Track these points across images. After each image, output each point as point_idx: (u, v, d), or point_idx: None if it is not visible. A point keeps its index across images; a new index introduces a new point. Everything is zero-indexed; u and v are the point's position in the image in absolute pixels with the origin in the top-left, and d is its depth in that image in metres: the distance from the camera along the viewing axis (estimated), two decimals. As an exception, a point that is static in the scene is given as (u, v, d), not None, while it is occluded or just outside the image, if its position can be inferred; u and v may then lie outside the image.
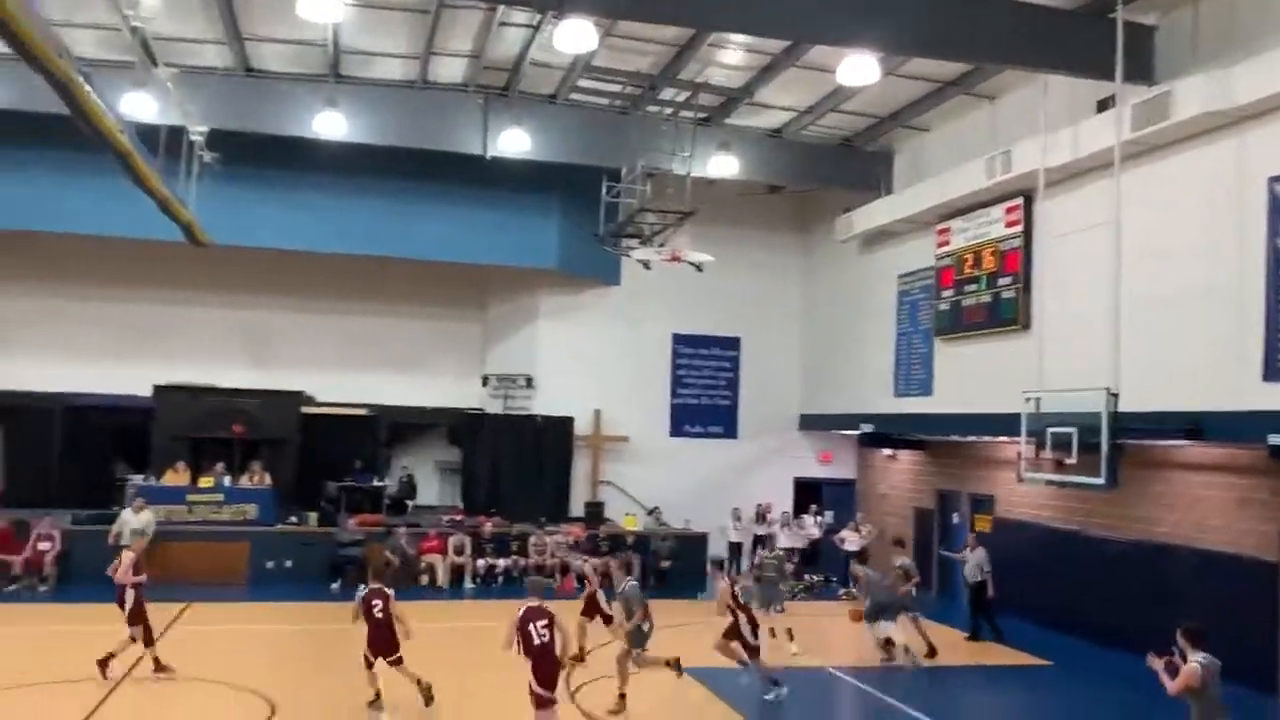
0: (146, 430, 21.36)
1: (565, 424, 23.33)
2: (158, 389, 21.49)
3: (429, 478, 24.95)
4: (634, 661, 11.62)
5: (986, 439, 18.94)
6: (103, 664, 11.95)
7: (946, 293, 19.03)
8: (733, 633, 12.43)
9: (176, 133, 15.98)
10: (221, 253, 19.54)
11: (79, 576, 18.05)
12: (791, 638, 15.07)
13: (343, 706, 11.33)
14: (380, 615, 11.13)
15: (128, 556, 12.74)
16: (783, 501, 23.08)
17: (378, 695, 11.09)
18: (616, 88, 19.04)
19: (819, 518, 22.22)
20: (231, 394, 21.86)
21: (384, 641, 11.11)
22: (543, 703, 9.15)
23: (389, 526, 20.45)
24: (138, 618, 12.22)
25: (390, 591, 11.40)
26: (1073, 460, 13.58)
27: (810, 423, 24.42)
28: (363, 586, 11.70)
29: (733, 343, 24.78)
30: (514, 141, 19.26)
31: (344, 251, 21.79)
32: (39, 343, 22.40)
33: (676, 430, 24.30)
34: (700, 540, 21.36)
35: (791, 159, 21.57)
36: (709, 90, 18.42)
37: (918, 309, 20.27)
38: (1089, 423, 13.23)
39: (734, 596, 12.55)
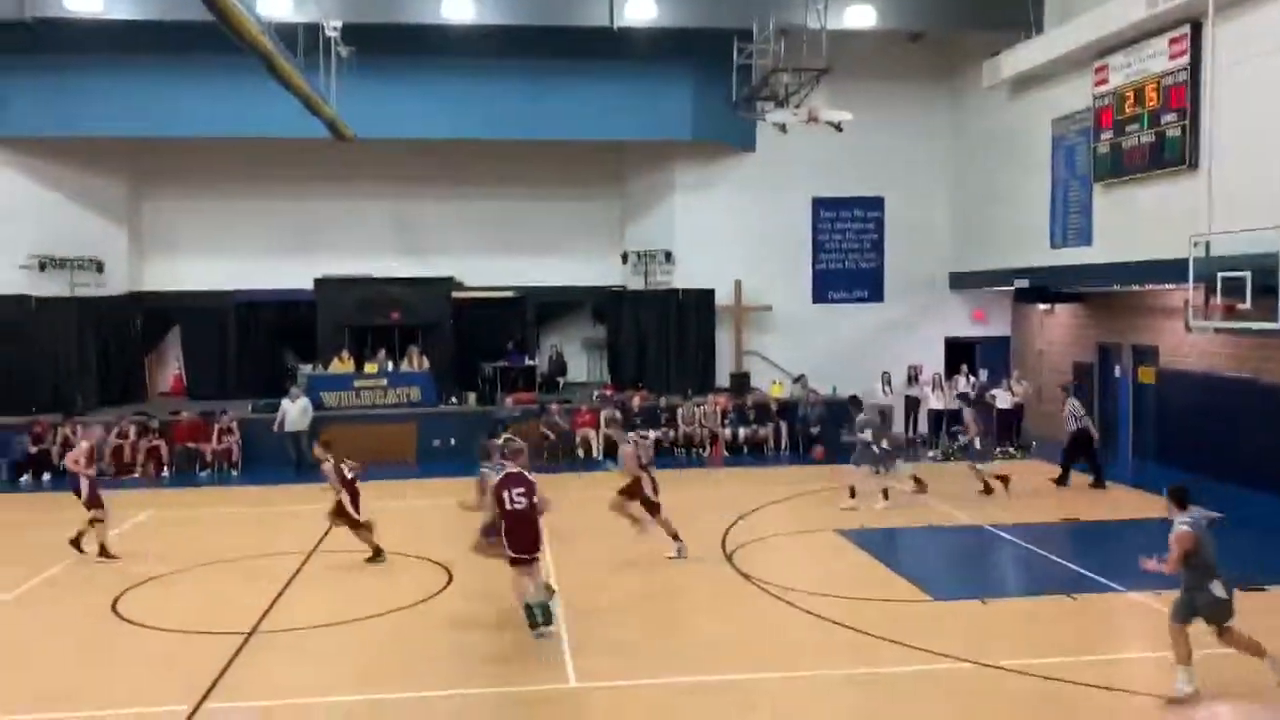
0: (311, 322, 22.58)
1: (707, 296, 23.34)
2: (318, 282, 22.56)
3: (577, 355, 25.59)
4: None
5: (1150, 288, 18.03)
6: (74, 543, 12.78)
7: (1105, 135, 17.89)
8: (632, 491, 12.48)
9: (312, 30, 16.31)
10: (366, 146, 20.04)
11: (256, 461, 19.56)
12: (886, 496, 15.08)
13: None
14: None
15: (84, 445, 13.40)
16: (934, 363, 22.67)
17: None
18: (744, -58, 18.29)
19: (972, 378, 21.76)
20: (386, 283, 22.79)
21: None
22: (515, 561, 9.62)
23: (543, 403, 21.19)
24: (94, 502, 12.88)
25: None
26: (1246, 305, 12.82)
27: (961, 281, 23.69)
28: (498, 466, 10.34)
29: (876, 203, 24.06)
30: (641, 9, 18.88)
31: (480, 136, 22.01)
32: (207, 245, 23.70)
33: (820, 296, 23.98)
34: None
35: (932, 3, 20.41)
36: (842, -64, 17.50)
37: (1074, 154, 19.16)
38: (1265, 264, 12.41)
39: (638, 458, 12.50)
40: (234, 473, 19.40)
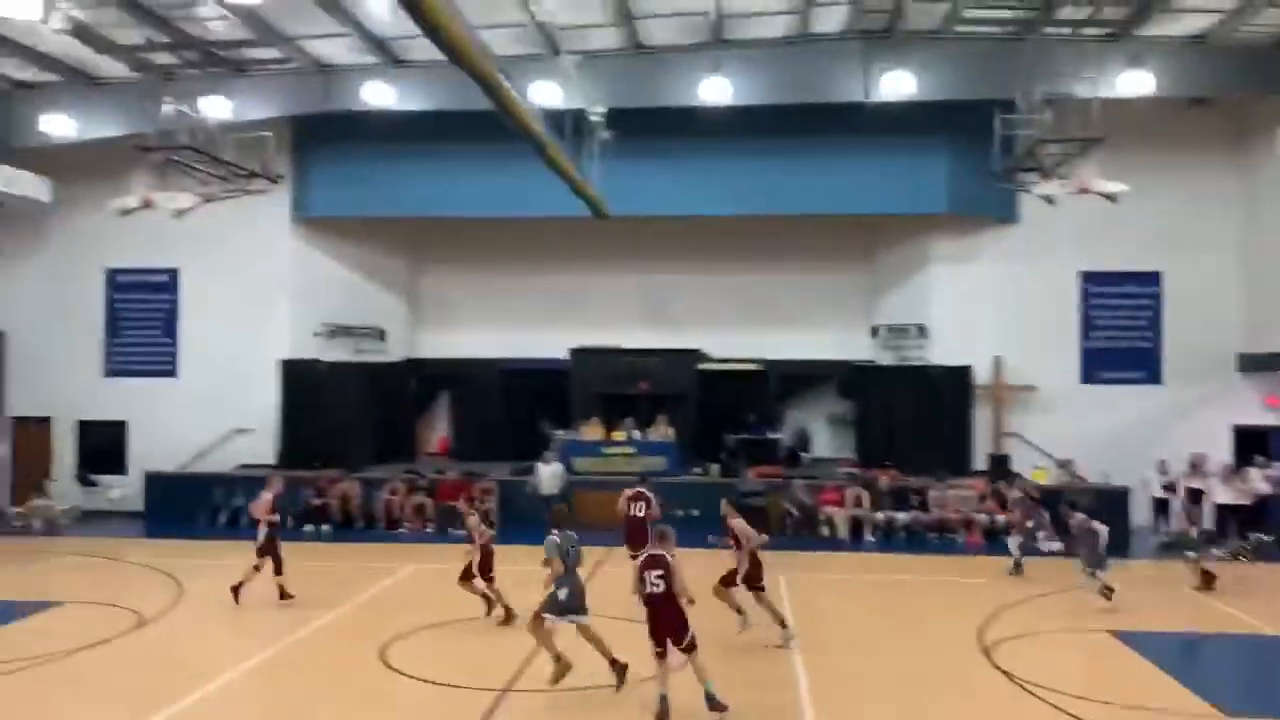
0: (566, 389, 23.55)
1: (962, 373, 22.43)
2: (573, 351, 23.63)
3: (821, 430, 25.19)
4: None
5: None
6: (235, 590, 13.55)
7: None
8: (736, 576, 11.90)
9: (576, 114, 17.27)
10: (622, 223, 20.87)
11: (513, 521, 20.36)
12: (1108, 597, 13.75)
13: (738, 644, 11.79)
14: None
15: (267, 497, 14.03)
16: (1219, 452, 20.63)
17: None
18: (1007, 13, 17.82)
19: (1268, 470, 19.62)
20: (636, 354, 23.51)
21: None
22: (655, 654, 9.22)
23: (786, 478, 20.93)
24: (267, 550, 13.64)
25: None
26: None
27: (1254, 363, 21.48)
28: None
29: (1152, 278, 22.40)
30: (897, 84, 18.69)
31: (731, 213, 22.43)
32: (476, 316, 25.34)
33: (1089, 376, 22.46)
34: (1121, 495, 19.72)
35: (1218, 67, 19.01)
36: (1115, 1, 16.70)
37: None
38: None
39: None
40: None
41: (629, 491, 14.96)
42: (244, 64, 19.42)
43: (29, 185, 21.09)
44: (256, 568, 13.83)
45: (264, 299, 22.92)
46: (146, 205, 16.49)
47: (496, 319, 25.04)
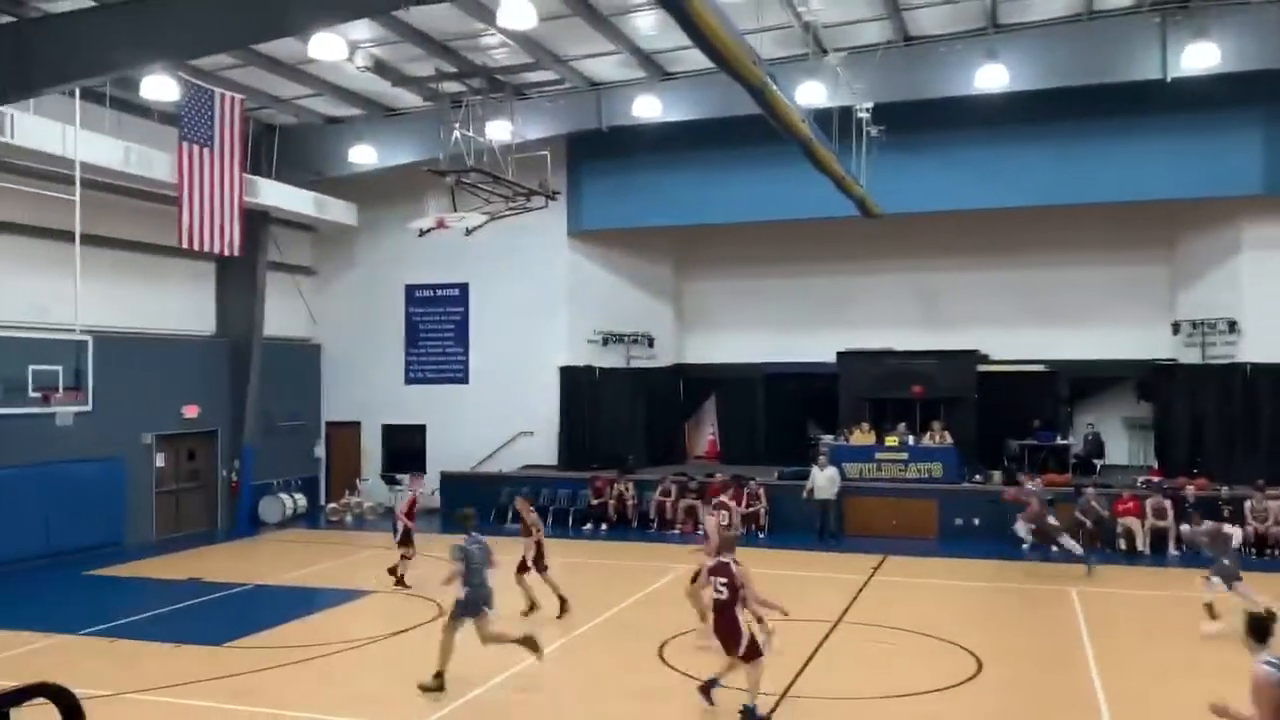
0: (833, 394, 23.18)
1: (1281, 371, 20.12)
2: (841, 355, 23.19)
3: (1116, 435, 23.37)
4: None
5: None
6: (395, 576, 15.57)
7: None
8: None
9: (842, 112, 16.96)
10: (891, 221, 20.28)
11: (781, 526, 20.27)
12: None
13: (1032, 661, 11.09)
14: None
15: (410, 496, 16.45)
16: None
17: None
18: (1334, -34, 15.84)
19: None
20: (908, 356, 22.76)
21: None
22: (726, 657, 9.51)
23: (1077, 486, 19.59)
24: (405, 542, 15.64)
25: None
26: None
27: None
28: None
29: None
30: (1200, 57, 17.01)
31: (1011, 205, 21.23)
32: (740, 320, 25.49)
33: None
34: None
35: None
36: None
37: None
38: None
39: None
40: (760, 535, 20.29)
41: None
42: (523, 87, 20.53)
43: (339, 211, 23.39)
44: (404, 557, 15.67)
45: (544, 309, 24.13)
46: (439, 225, 17.76)
47: (760, 323, 25.03)
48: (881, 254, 23.96)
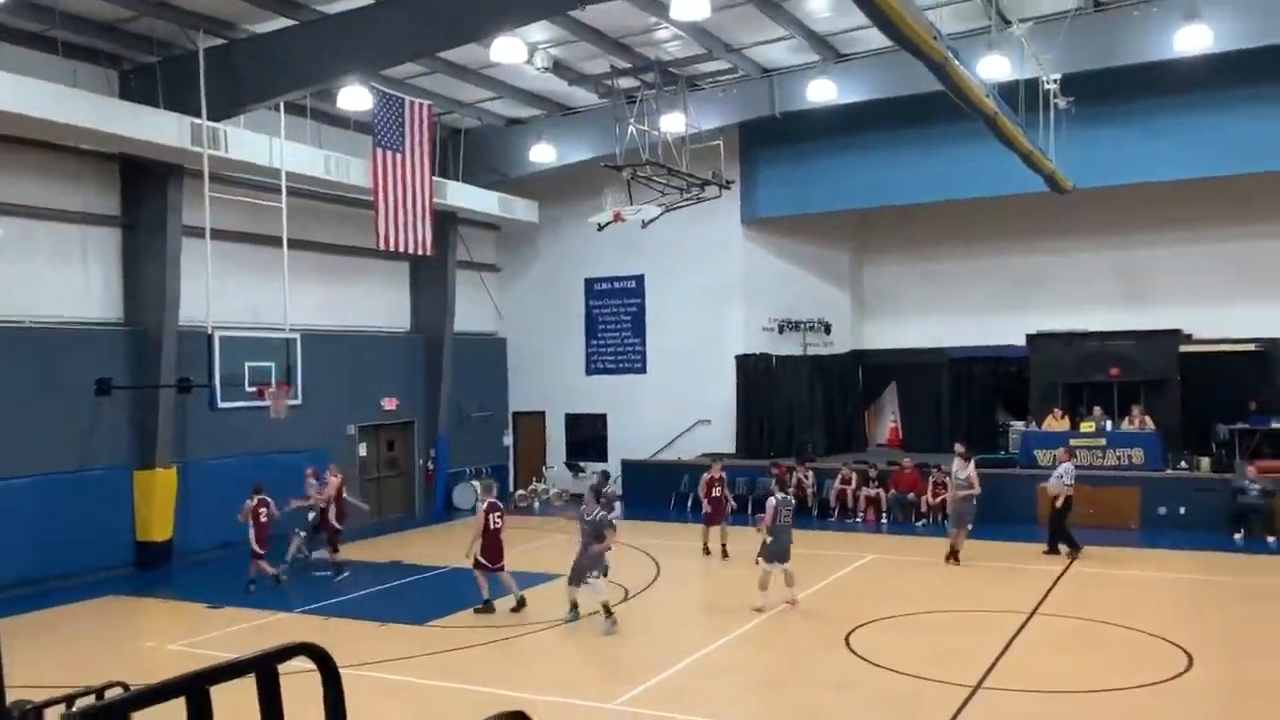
0: (1022, 378, 22.28)
1: None
2: (1031, 337, 22.20)
3: (1344, 418, 21.48)
4: None
5: None
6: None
7: None
8: None
9: (1028, 85, 16.27)
10: (1083, 195, 19.31)
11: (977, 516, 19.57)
12: None
13: (1267, 663, 10.40)
14: None
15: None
16: None
17: None
18: None
19: None
20: (1104, 337, 21.58)
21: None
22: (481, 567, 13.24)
23: (1298, 473, 18.17)
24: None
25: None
26: None
27: None
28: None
29: None
30: None
31: (1218, 174, 19.81)
32: (921, 304, 24.86)
33: None
34: None
35: None
36: None
37: None
38: None
39: None
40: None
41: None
42: (696, 79, 20.65)
43: (522, 209, 24.17)
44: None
45: (719, 298, 24.20)
46: (616, 219, 18.12)
47: (943, 306, 24.33)
48: (1073, 231, 22.84)
